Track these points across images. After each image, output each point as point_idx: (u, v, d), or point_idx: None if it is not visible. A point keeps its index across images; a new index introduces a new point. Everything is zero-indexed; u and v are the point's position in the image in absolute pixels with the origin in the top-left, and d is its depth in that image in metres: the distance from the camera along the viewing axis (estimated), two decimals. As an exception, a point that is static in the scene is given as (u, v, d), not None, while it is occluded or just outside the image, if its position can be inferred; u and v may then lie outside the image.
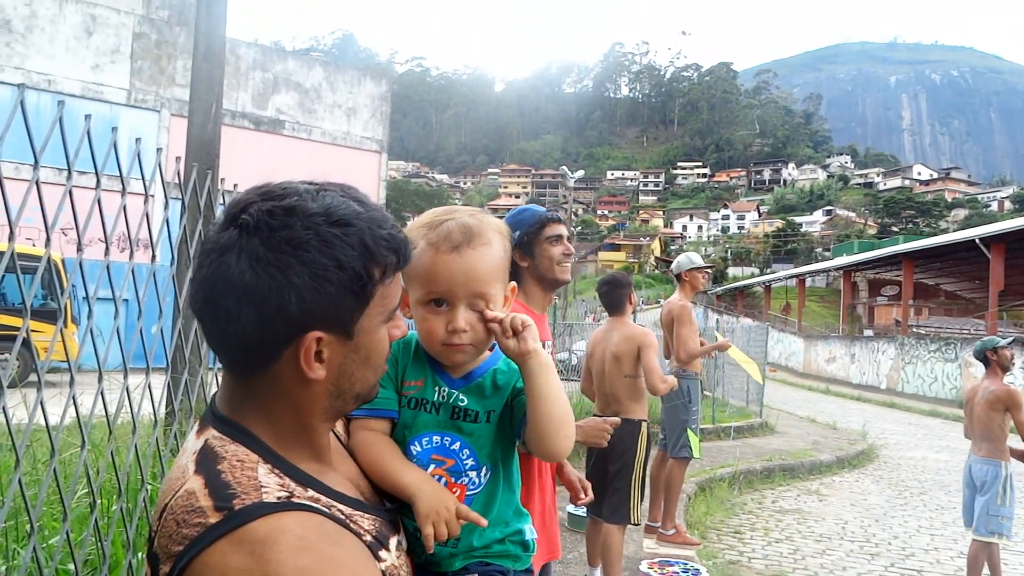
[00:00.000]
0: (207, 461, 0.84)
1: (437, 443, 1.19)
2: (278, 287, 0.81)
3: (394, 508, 1.07)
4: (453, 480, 1.18)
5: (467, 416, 1.20)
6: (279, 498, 0.81)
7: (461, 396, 1.20)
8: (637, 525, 4.47)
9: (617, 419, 2.35)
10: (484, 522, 1.12)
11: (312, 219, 0.83)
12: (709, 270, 5.85)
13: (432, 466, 1.18)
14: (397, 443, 1.18)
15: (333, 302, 0.84)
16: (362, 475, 1.07)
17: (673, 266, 5.82)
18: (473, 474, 1.19)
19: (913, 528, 7.49)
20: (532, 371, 1.13)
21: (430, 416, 1.20)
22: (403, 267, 0.92)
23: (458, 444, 1.19)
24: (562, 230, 2.48)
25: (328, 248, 0.83)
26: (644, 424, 4.47)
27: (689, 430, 5.60)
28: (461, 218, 1.19)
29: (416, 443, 1.19)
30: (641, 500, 4.44)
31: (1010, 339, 5.52)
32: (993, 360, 5.09)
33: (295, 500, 0.82)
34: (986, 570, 5.03)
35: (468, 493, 1.19)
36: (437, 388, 1.21)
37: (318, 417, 0.92)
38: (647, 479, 4.50)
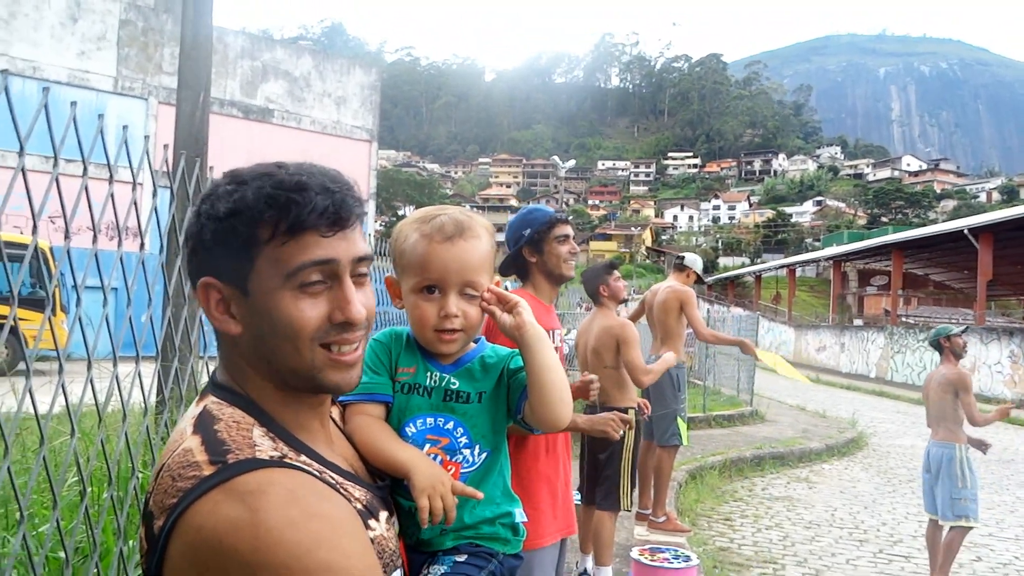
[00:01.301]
0: (204, 422, 0.87)
1: (431, 424, 1.24)
2: (192, 232, 0.92)
3: (386, 485, 1.09)
4: (448, 458, 1.23)
5: (459, 397, 1.25)
6: (271, 457, 0.83)
7: (452, 379, 1.26)
8: (628, 511, 4.50)
9: (630, 416, 2.43)
10: (479, 495, 1.17)
11: (225, 177, 0.92)
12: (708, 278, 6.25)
13: (427, 445, 1.22)
14: (391, 427, 1.22)
15: (212, 250, 0.89)
16: (357, 457, 1.09)
17: (688, 260, 5.94)
18: (467, 452, 1.24)
19: (901, 515, 7.57)
20: (529, 342, 1.20)
21: (423, 399, 1.25)
22: (296, 232, 0.87)
23: (452, 423, 1.24)
24: (569, 230, 2.67)
25: (216, 200, 0.90)
26: (631, 411, 4.49)
27: (679, 418, 5.64)
28: (453, 214, 1.28)
29: (411, 424, 1.23)
30: (632, 486, 4.47)
31: (963, 328, 5.63)
32: (947, 347, 5.19)
33: (287, 461, 0.84)
34: (950, 553, 5.07)
35: (463, 471, 1.23)
36: (429, 373, 1.26)
37: (275, 384, 0.92)
38: (636, 466, 4.53)
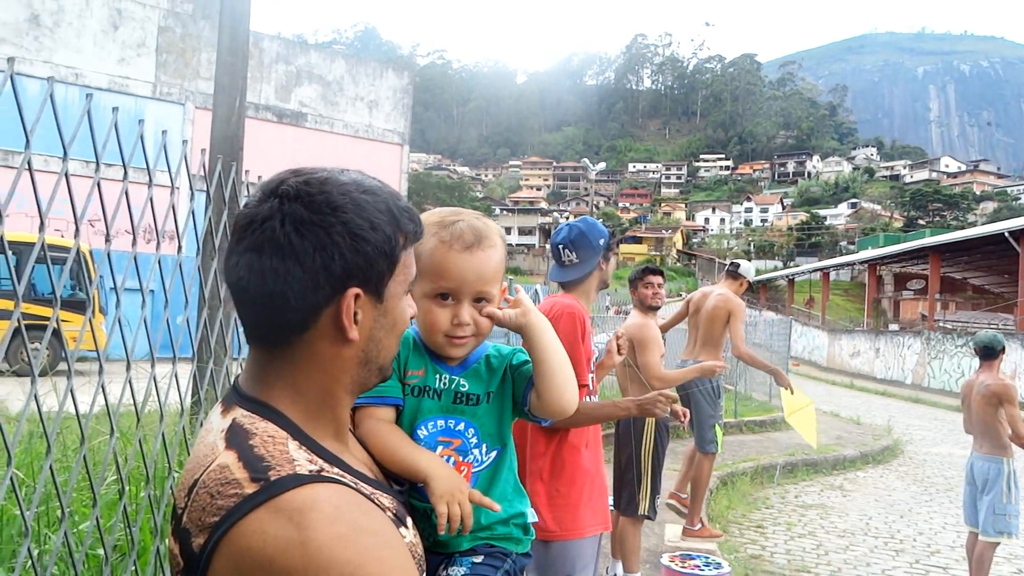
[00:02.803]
0: (238, 437, 0.86)
1: (442, 426, 1.26)
2: (322, 245, 0.86)
3: (404, 491, 1.10)
4: (461, 459, 1.25)
5: (469, 400, 1.27)
6: (310, 471, 0.83)
7: (462, 381, 1.28)
8: (649, 519, 4.45)
9: (675, 395, 2.50)
10: (497, 507, 1.18)
11: (345, 187, 0.90)
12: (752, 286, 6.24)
13: (440, 447, 1.24)
14: (403, 430, 1.24)
15: (369, 261, 0.89)
16: (372, 461, 1.10)
17: (743, 268, 5.87)
18: (477, 452, 1.26)
19: (939, 525, 7.40)
20: (534, 331, 1.24)
21: (433, 402, 1.27)
22: (419, 239, 0.98)
23: (462, 425, 1.27)
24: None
25: (362, 211, 0.89)
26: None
27: (716, 425, 5.61)
28: (470, 220, 1.29)
29: (423, 427, 1.25)
30: (652, 492, 4.42)
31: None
32: (1000, 356, 5.02)
33: (325, 474, 0.85)
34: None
35: (474, 470, 1.26)
36: (438, 376, 1.28)
37: (344, 388, 0.95)
38: (658, 473, 4.48)
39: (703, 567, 4.69)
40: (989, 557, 4.87)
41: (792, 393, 5.86)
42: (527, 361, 1.28)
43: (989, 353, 5.04)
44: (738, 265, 5.94)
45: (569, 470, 2.37)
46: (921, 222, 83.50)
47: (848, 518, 7.44)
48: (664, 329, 5.88)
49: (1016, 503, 4.83)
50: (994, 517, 4.81)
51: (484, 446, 1.26)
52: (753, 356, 5.91)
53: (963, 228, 55.53)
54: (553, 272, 2.82)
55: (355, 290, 0.89)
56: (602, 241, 2.77)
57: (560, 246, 2.77)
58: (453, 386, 1.27)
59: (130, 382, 1.77)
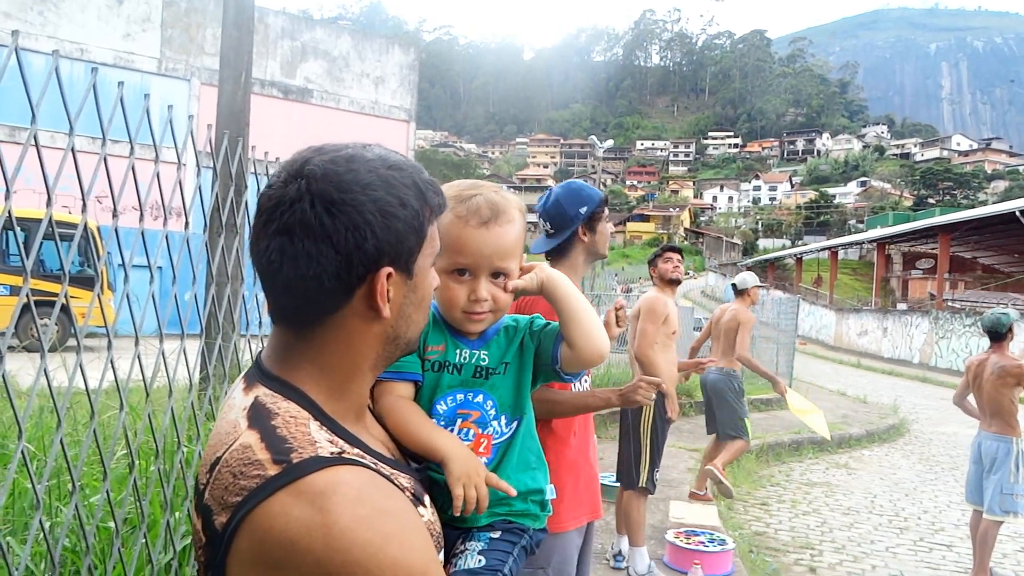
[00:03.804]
0: (261, 417, 0.86)
1: (461, 400, 1.26)
2: (355, 225, 0.86)
3: (423, 468, 1.10)
4: (480, 431, 1.24)
5: (488, 373, 1.27)
6: (332, 453, 0.84)
7: (483, 355, 1.28)
8: (649, 492, 4.48)
9: (658, 380, 2.29)
10: (512, 491, 1.17)
11: (371, 163, 0.90)
12: (765, 287, 6.73)
13: (460, 420, 1.24)
14: (421, 406, 1.23)
15: (400, 238, 0.90)
16: (389, 438, 1.10)
17: (738, 282, 6.59)
18: (497, 424, 1.26)
19: (943, 503, 7.43)
20: (554, 284, 1.27)
21: (452, 377, 1.26)
22: (442, 212, 0.98)
23: (481, 397, 1.26)
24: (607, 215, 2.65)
25: (391, 188, 0.89)
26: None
27: (743, 419, 6.10)
28: (488, 194, 1.27)
29: (441, 402, 1.25)
30: (651, 465, 4.45)
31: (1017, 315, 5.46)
32: (1009, 336, 5.01)
33: (346, 456, 0.85)
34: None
35: (495, 442, 1.25)
36: (458, 351, 1.27)
37: (370, 365, 0.96)
38: (657, 446, 4.51)
39: (707, 543, 4.72)
40: (993, 535, 4.89)
41: (793, 399, 6.41)
42: (548, 323, 1.29)
43: (996, 334, 5.02)
44: (736, 284, 6.63)
45: (553, 463, 2.19)
46: (931, 201, 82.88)
47: (853, 496, 7.48)
48: (696, 347, 6.98)
49: (1023, 483, 4.84)
50: (1001, 496, 4.82)
51: (504, 417, 1.26)
52: (753, 363, 6.54)
53: (973, 207, 55.11)
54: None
55: (387, 269, 0.89)
56: (583, 209, 2.50)
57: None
58: (474, 360, 1.27)
59: (139, 357, 1.78)
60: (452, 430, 1.22)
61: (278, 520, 0.78)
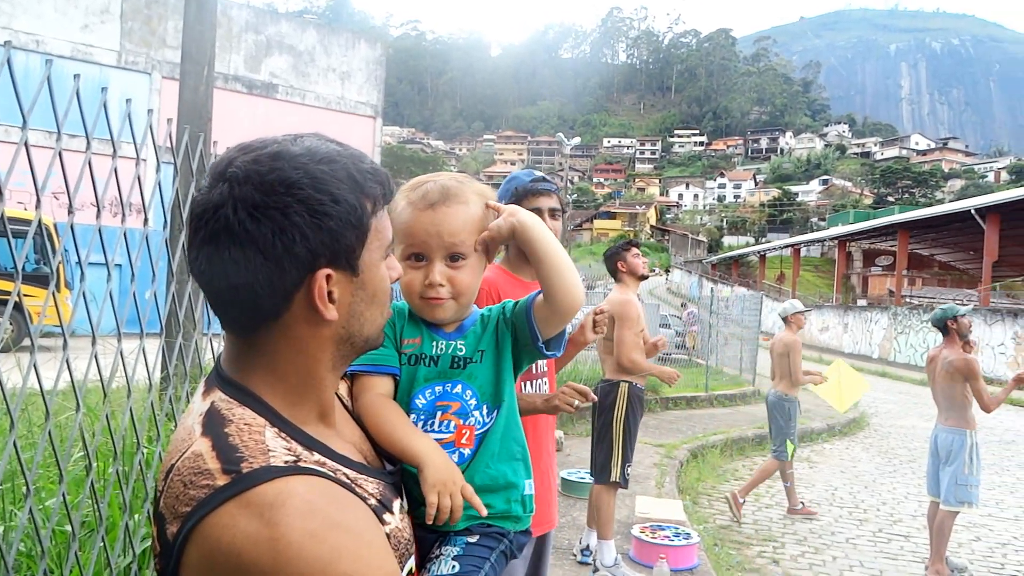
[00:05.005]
0: (214, 423, 0.84)
1: (440, 392, 1.23)
2: (281, 228, 0.81)
3: (396, 470, 1.08)
4: (462, 422, 1.21)
5: (465, 362, 1.24)
6: (286, 462, 0.81)
7: (460, 345, 1.25)
8: (621, 486, 4.51)
9: (585, 388, 2.16)
10: (484, 511, 1.14)
11: (298, 159, 0.84)
12: (807, 312, 7.18)
13: (439, 412, 1.21)
14: (399, 401, 1.21)
15: (336, 237, 0.85)
16: (365, 438, 1.07)
17: (781, 312, 6.96)
18: (478, 414, 1.23)
19: (901, 495, 7.61)
20: (527, 228, 1.21)
21: (429, 369, 1.24)
22: (389, 201, 0.94)
23: (460, 387, 1.23)
24: (541, 203, 2.36)
25: (320, 184, 0.84)
26: (623, 384, 4.51)
27: (788, 440, 6.45)
28: (442, 180, 1.26)
29: (420, 396, 1.22)
30: (623, 460, 4.48)
31: (969, 307, 5.64)
32: (952, 329, 5.15)
33: (302, 464, 0.82)
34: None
35: (477, 432, 1.21)
36: (435, 343, 1.25)
37: (326, 366, 0.92)
38: (630, 442, 4.53)
39: (672, 537, 4.78)
40: (949, 525, 5.02)
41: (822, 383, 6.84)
42: (517, 302, 1.27)
43: (942, 328, 5.21)
44: (781, 313, 6.97)
45: None
46: (891, 199, 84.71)
47: (814, 489, 7.62)
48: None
49: (977, 474, 4.98)
50: (956, 487, 4.95)
51: (484, 407, 1.23)
52: (802, 382, 6.74)
53: (931, 205, 56.45)
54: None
55: (325, 271, 0.85)
56: (513, 192, 2.35)
57: None
58: (450, 350, 1.24)
59: (96, 357, 1.74)
60: (432, 423, 1.20)
61: (226, 532, 0.75)
